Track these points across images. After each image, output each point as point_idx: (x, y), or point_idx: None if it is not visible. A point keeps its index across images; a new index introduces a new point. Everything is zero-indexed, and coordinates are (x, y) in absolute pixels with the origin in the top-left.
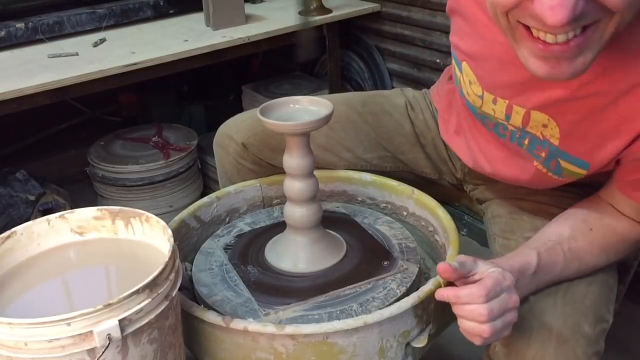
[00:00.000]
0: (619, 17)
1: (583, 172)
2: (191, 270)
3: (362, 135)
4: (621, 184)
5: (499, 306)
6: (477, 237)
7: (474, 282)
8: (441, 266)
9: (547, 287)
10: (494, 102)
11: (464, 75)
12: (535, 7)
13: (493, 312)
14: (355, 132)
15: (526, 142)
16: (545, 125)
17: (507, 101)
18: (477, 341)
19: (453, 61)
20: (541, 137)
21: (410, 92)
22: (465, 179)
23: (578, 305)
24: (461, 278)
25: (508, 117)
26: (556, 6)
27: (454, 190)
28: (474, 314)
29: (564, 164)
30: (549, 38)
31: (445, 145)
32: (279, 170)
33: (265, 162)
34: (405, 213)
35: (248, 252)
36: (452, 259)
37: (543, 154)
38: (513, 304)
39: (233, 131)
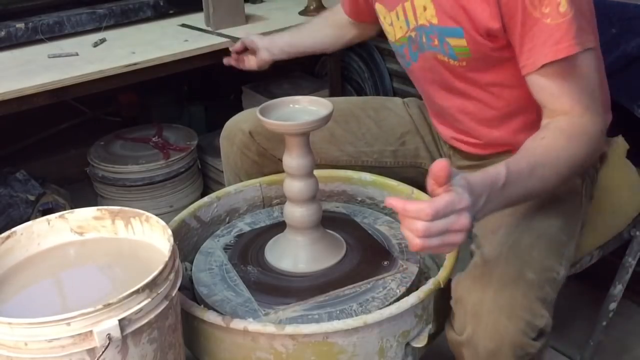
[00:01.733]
0: None
1: (463, 41)
2: (191, 270)
3: (364, 129)
4: (524, 63)
5: (442, 226)
6: None
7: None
8: (439, 164)
9: (500, 233)
10: (397, 17)
11: (380, 16)
12: None
13: (430, 231)
14: (358, 125)
15: (424, 39)
16: (425, 8)
17: (399, 5)
18: (410, 248)
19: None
20: (427, 24)
21: (406, 98)
22: (453, 162)
23: (523, 255)
24: (443, 184)
25: (407, 22)
26: None
27: None
28: (413, 226)
29: (449, 40)
30: None
31: (439, 137)
32: (282, 164)
33: (269, 152)
34: None
35: (248, 252)
36: (452, 259)
37: (436, 41)
38: (460, 226)
39: (241, 122)
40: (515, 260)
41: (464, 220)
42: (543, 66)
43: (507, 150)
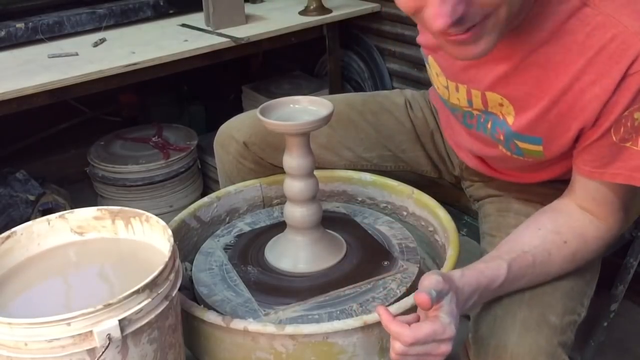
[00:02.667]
0: (505, 10)
1: (539, 147)
2: (191, 270)
3: (362, 135)
4: (587, 166)
5: (420, 351)
6: (477, 237)
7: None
8: (420, 297)
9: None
10: (457, 89)
11: (432, 69)
12: (424, 17)
13: (407, 354)
14: (356, 131)
15: (489, 125)
16: (501, 105)
17: (465, 86)
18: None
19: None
20: (501, 117)
21: (409, 92)
22: (463, 175)
23: (547, 297)
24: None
25: (470, 102)
26: (436, 15)
27: (453, 190)
28: (392, 343)
29: (520, 144)
30: (452, 31)
31: (443, 142)
32: (280, 170)
33: (265, 161)
34: (405, 213)
35: (248, 252)
36: (452, 259)
37: (502, 137)
38: (438, 353)
39: (234, 130)
40: (538, 302)
41: (444, 348)
42: (608, 181)
43: (538, 183)
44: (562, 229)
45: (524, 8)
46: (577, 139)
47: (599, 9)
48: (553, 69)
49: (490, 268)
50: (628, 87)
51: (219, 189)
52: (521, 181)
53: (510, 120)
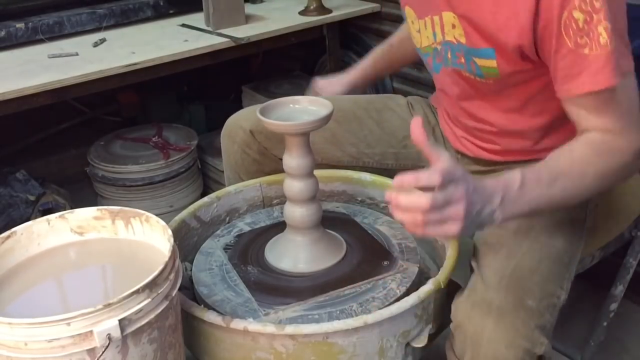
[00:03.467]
0: None
1: (493, 62)
2: (191, 270)
3: (366, 130)
4: (558, 87)
5: (442, 200)
6: None
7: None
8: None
9: (500, 260)
10: (425, 26)
11: (409, 19)
12: None
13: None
14: (360, 126)
15: (449, 55)
16: (454, 26)
17: (428, 17)
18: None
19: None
20: (455, 42)
21: (410, 97)
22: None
23: (524, 282)
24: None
25: (435, 34)
26: None
27: None
28: (413, 205)
29: (478, 61)
30: None
31: (443, 138)
32: (282, 163)
33: (270, 152)
34: None
35: (248, 252)
36: (452, 259)
37: (463, 60)
38: (453, 214)
39: (242, 120)
40: (516, 288)
41: (455, 209)
42: (578, 95)
43: (528, 159)
44: (572, 144)
45: None
46: (524, 54)
47: None
48: None
49: (502, 174)
50: None
51: (219, 189)
52: (504, 148)
53: (462, 39)
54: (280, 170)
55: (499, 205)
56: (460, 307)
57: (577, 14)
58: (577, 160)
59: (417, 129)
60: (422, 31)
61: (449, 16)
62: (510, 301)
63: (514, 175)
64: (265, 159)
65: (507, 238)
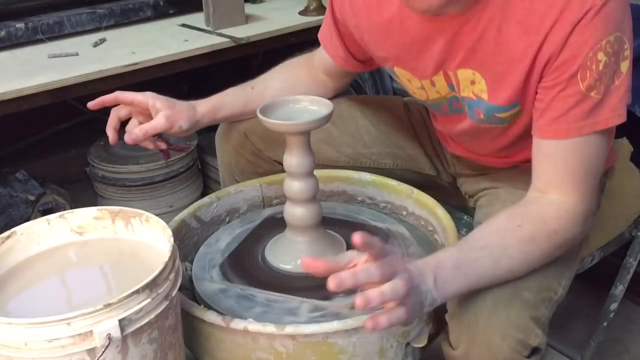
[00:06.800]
0: None
1: (519, 108)
2: (191, 270)
3: (362, 130)
4: (537, 130)
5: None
6: None
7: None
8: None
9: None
10: (433, 84)
11: (401, 78)
12: None
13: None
14: (356, 127)
15: (466, 109)
16: (473, 82)
17: (440, 73)
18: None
19: (393, 76)
20: (475, 98)
21: (407, 98)
22: (456, 171)
23: (503, 320)
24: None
25: (452, 86)
26: None
27: (452, 190)
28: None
29: (501, 114)
30: None
31: (440, 144)
32: (276, 165)
33: (263, 154)
34: (404, 213)
35: (248, 252)
36: None
37: (482, 116)
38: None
39: (236, 121)
40: (512, 280)
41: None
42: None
43: (524, 161)
44: (517, 215)
45: None
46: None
47: None
48: (513, 30)
49: (438, 253)
50: (586, 28)
51: (219, 189)
52: (508, 160)
53: (484, 96)
54: (274, 171)
55: (434, 285)
56: (455, 298)
57: (601, 56)
58: (527, 240)
59: (311, 267)
60: (427, 88)
61: (466, 73)
62: (506, 292)
63: (447, 253)
64: (259, 160)
65: None
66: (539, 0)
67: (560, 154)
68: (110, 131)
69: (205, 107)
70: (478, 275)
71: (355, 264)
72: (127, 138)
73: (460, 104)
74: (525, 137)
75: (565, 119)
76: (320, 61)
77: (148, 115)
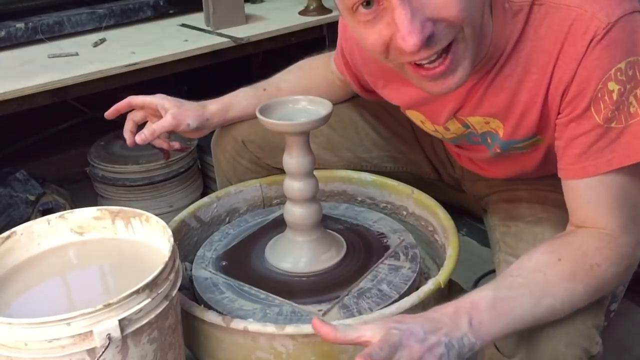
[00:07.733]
0: (469, 29)
1: (539, 140)
2: (191, 270)
3: (362, 135)
4: (562, 170)
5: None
6: (476, 237)
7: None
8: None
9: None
10: (447, 129)
11: (415, 119)
12: (396, 42)
13: None
14: (356, 131)
15: (486, 139)
16: (487, 123)
17: (452, 120)
18: None
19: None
20: (493, 132)
21: None
22: (464, 175)
23: (569, 327)
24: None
25: (467, 125)
26: (406, 34)
27: (453, 191)
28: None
29: (518, 145)
30: (424, 57)
31: (444, 147)
32: (276, 171)
33: (262, 161)
34: (405, 213)
35: (248, 252)
36: (452, 259)
37: (498, 149)
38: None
39: (232, 129)
40: (566, 332)
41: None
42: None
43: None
44: (556, 247)
45: (485, 33)
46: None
47: (549, 2)
48: (524, 73)
49: (467, 295)
50: (590, 60)
51: (219, 189)
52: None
53: (500, 132)
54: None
55: (469, 329)
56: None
57: (612, 85)
58: (568, 276)
59: (320, 330)
60: (442, 132)
61: (477, 120)
62: (571, 348)
63: (481, 294)
64: (258, 167)
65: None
66: (546, 38)
67: (592, 191)
68: (127, 134)
69: (215, 107)
70: (516, 315)
71: (364, 340)
72: (138, 139)
73: (479, 138)
74: (544, 162)
75: (590, 154)
76: (337, 69)
77: (160, 117)
